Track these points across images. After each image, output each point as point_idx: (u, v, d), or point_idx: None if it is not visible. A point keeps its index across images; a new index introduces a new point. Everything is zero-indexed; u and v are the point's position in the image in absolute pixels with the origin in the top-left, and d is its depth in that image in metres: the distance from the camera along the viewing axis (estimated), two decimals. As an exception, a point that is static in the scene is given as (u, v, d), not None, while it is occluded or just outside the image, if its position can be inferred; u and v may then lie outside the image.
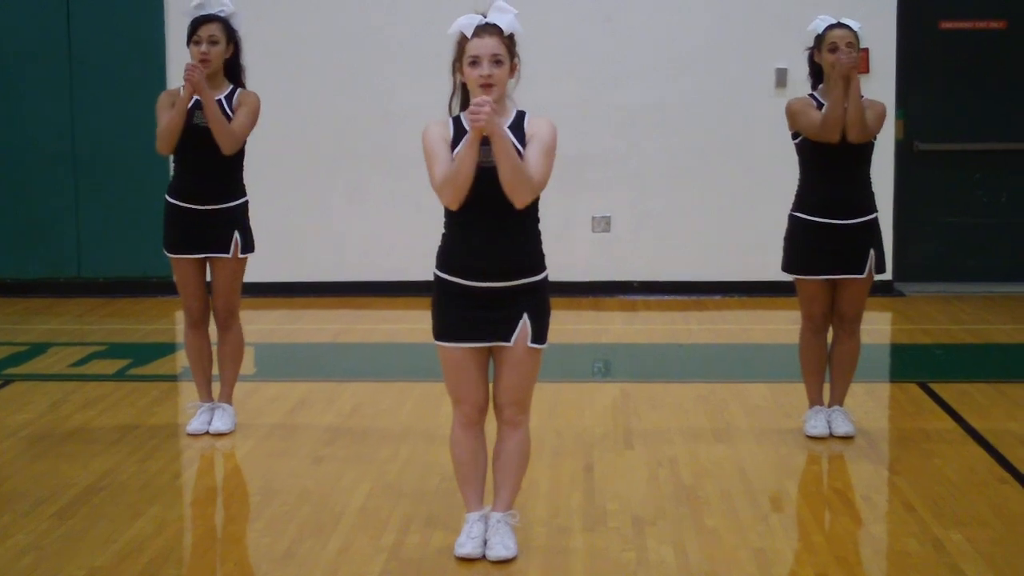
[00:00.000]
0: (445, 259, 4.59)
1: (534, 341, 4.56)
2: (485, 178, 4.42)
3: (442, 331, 4.59)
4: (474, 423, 4.67)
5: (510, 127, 4.50)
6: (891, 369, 8.24)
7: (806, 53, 6.06)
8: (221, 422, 6.34)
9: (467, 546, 4.69)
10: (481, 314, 4.53)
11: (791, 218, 6.12)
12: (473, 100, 4.38)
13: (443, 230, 4.62)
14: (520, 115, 4.57)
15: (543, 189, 4.51)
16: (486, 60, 4.43)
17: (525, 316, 4.54)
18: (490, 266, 4.50)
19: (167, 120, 6.03)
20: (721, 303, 10.00)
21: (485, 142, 4.41)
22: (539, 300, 4.59)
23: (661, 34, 10.17)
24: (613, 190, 10.28)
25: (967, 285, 10.31)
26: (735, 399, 6.92)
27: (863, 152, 5.96)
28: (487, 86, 4.44)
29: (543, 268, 4.61)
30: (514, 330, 4.53)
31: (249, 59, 6.30)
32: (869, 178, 6.06)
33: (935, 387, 7.12)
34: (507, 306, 4.53)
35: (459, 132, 4.52)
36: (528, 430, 4.73)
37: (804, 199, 6.07)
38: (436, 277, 4.61)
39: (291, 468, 5.83)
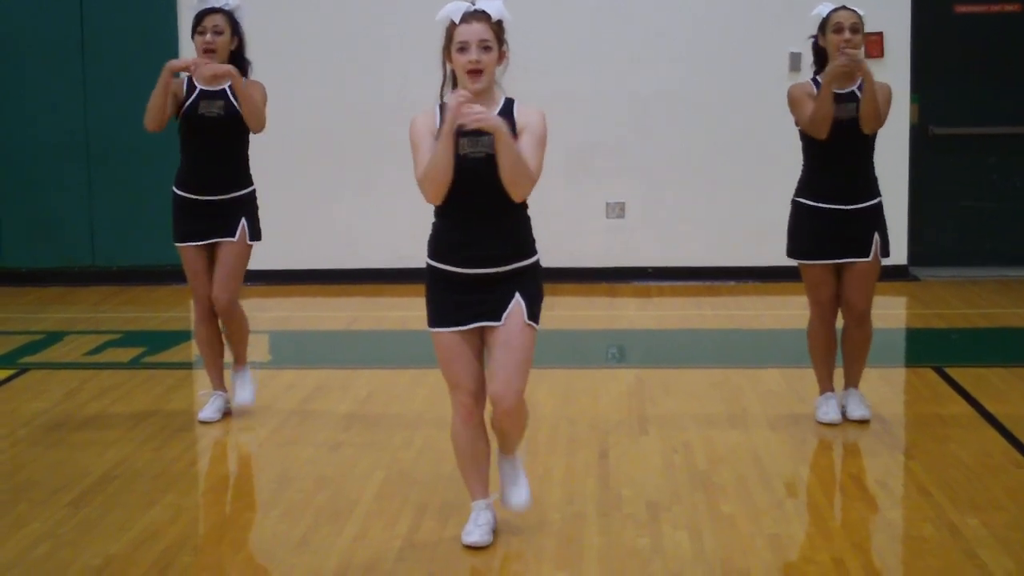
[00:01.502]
0: (436, 248, 4.57)
1: (528, 319, 4.53)
2: (472, 169, 4.40)
3: (435, 318, 4.59)
4: (472, 413, 4.65)
5: (499, 115, 4.45)
6: (906, 354, 8.23)
7: (810, 40, 6.05)
8: (242, 391, 6.37)
9: (474, 534, 4.70)
10: (473, 297, 4.51)
11: (794, 203, 6.09)
12: (457, 95, 4.31)
13: (433, 219, 4.60)
14: (509, 103, 4.52)
15: (538, 180, 4.49)
16: (474, 46, 4.40)
17: (517, 295, 4.52)
18: (479, 254, 4.48)
19: (152, 96, 6.08)
20: (735, 289, 9.98)
21: (470, 133, 4.38)
22: (530, 281, 4.56)
23: (674, 20, 10.13)
24: (627, 177, 10.25)
25: (982, 269, 10.27)
26: (749, 385, 6.91)
27: (867, 138, 5.93)
28: (475, 72, 4.42)
29: (533, 252, 4.59)
30: (505, 309, 4.51)
31: (258, 50, 6.30)
32: (872, 163, 6.01)
33: (950, 371, 7.10)
34: (498, 289, 4.51)
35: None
36: (524, 404, 4.68)
37: (807, 185, 6.03)
38: (428, 266, 4.60)
39: (306, 455, 5.84)
